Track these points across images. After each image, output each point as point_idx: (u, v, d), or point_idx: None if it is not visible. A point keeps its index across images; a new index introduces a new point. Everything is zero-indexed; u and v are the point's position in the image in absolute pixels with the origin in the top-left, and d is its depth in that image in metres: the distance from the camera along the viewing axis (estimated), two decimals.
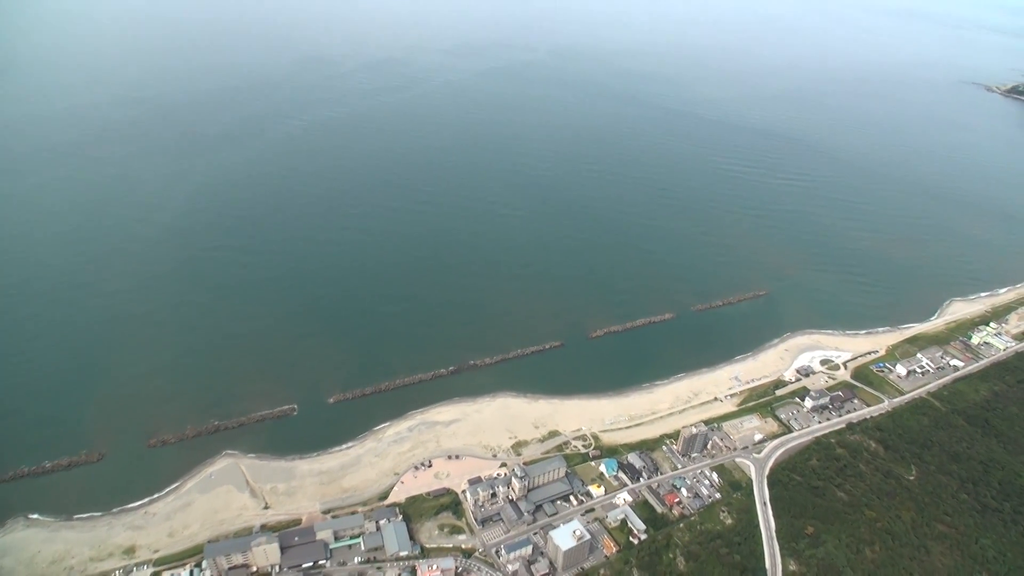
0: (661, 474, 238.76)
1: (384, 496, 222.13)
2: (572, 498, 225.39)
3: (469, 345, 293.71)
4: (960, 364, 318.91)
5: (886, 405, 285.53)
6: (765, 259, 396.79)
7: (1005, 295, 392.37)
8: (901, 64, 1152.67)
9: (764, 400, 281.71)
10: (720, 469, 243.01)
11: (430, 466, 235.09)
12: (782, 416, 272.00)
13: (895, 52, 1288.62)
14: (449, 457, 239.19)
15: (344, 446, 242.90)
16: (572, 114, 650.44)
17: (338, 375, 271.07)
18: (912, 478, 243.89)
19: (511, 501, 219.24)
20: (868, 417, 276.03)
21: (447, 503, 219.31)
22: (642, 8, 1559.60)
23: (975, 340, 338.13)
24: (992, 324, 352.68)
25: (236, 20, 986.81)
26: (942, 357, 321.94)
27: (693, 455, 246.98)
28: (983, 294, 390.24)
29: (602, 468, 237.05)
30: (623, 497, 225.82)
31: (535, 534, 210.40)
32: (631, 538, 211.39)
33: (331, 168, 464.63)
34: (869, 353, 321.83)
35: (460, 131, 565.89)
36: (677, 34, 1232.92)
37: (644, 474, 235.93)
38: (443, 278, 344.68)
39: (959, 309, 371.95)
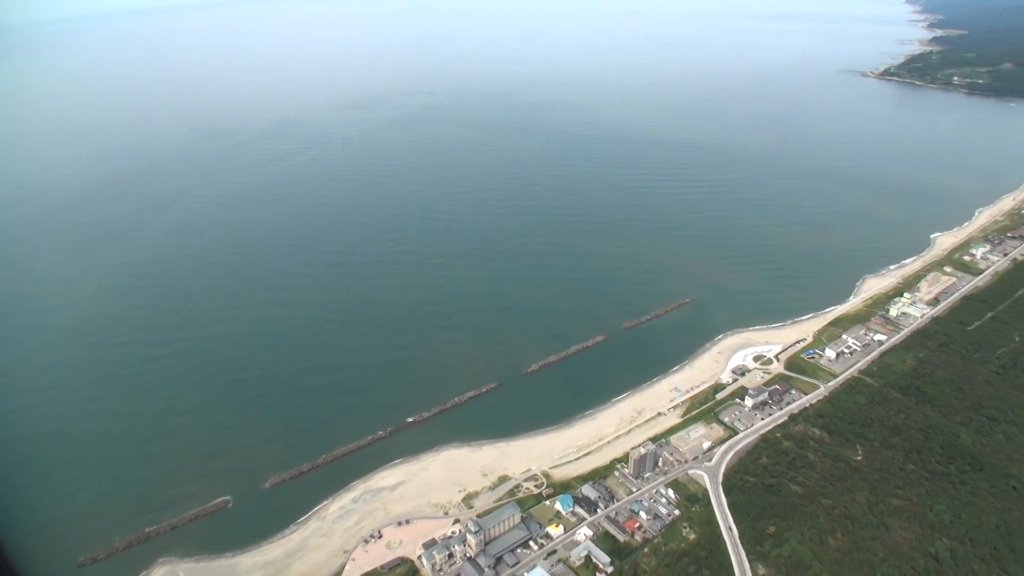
0: (617, 501, 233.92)
1: None
2: (532, 543, 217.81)
3: (404, 402, 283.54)
4: (883, 338, 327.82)
5: (822, 391, 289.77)
6: (687, 267, 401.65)
7: (912, 265, 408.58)
8: (784, 63, 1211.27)
9: (706, 407, 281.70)
10: (675, 484, 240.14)
11: (380, 537, 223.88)
12: (726, 419, 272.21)
13: (777, 52, 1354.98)
14: (399, 523, 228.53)
15: (287, 531, 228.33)
16: (480, 152, 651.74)
17: (271, 457, 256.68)
18: (859, 458, 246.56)
19: (470, 559, 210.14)
20: (808, 405, 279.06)
21: (404, 573, 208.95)
22: (533, 43, 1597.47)
23: (893, 312, 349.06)
24: (906, 295, 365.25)
25: (125, 97, 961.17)
26: (866, 334, 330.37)
27: (646, 475, 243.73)
28: (892, 267, 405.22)
29: (557, 506, 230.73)
30: (583, 532, 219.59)
31: None
32: (597, 573, 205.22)
33: (237, 241, 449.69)
34: (798, 342, 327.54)
35: (367, 184, 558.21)
36: (573, 63, 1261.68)
37: (601, 504, 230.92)
38: (368, 339, 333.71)
39: (873, 285, 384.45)
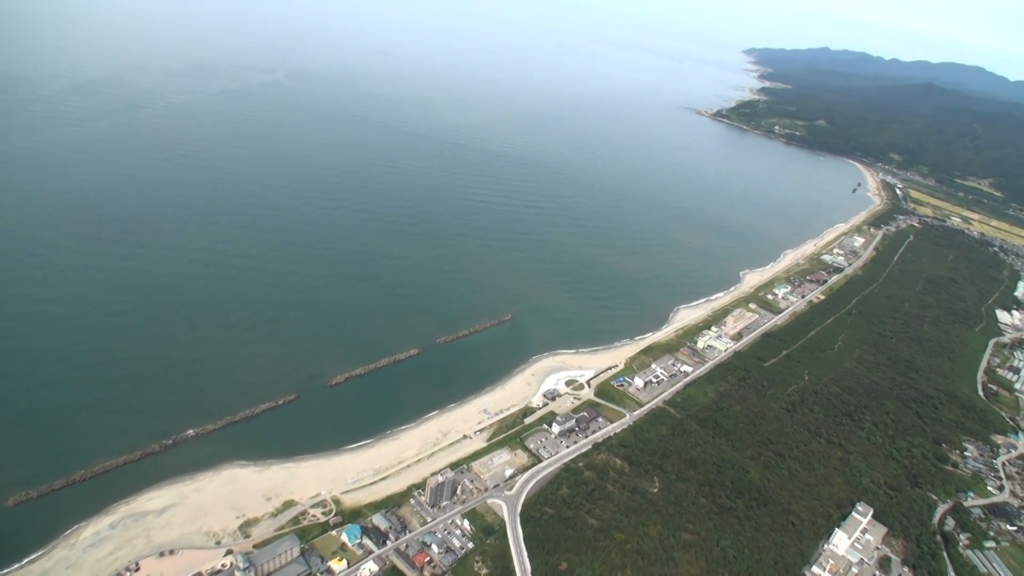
0: (410, 532, 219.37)
1: None
2: None
3: (187, 413, 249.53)
4: (689, 369, 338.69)
5: (628, 419, 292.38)
6: (510, 284, 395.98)
7: (721, 299, 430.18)
8: (628, 91, 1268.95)
9: (513, 431, 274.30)
10: (472, 515, 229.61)
11: (138, 569, 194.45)
12: (531, 446, 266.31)
13: (623, 80, 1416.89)
14: (161, 554, 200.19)
15: (26, 560, 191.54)
16: (313, 142, 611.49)
17: (17, 471, 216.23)
18: (655, 490, 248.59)
19: None
20: (612, 434, 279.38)
21: None
22: (388, 34, 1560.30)
23: (700, 344, 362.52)
24: (713, 328, 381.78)
25: None
26: (674, 364, 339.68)
27: (443, 504, 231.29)
28: (704, 299, 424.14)
29: (343, 537, 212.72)
30: (368, 567, 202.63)
31: None
32: None
33: (14, 210, 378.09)
34: (610, 368, 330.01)
35: (180, 163, 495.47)
36: (425, 60, 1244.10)
37: (391, 536, 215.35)
38: (152, 341, 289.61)
39: (686, 316, 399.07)
